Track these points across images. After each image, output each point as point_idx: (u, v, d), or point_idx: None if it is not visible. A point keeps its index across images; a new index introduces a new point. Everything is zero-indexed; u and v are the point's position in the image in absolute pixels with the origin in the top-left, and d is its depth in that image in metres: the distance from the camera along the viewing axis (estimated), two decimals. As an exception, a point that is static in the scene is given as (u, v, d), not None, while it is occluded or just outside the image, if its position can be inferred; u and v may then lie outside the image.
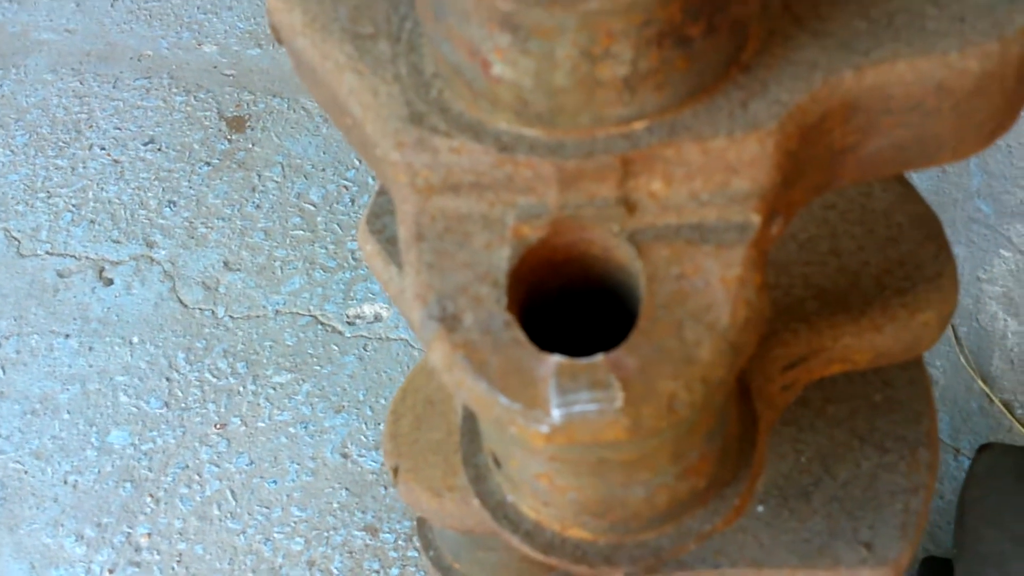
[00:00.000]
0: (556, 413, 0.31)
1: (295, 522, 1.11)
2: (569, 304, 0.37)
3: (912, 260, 0.45)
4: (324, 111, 0.44)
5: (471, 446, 0.45)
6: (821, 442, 0.49)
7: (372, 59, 0.39)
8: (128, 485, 1.15)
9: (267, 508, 1.12)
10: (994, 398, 1.24)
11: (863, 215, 0.47)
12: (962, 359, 1.26)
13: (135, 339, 1.29)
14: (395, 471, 0.54)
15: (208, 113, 1.57)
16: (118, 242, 1.41)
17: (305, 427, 1.19)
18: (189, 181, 1.47)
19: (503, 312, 0.33)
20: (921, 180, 1.41)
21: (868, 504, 0.47)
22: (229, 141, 1.53)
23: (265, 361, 1.25)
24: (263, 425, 1.19)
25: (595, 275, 0.35)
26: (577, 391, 0.31)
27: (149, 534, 1.12)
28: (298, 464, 1.15)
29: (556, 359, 0.32)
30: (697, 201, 0.34)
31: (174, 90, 1.61)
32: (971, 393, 1.24)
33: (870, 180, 0.47)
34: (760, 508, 0.47)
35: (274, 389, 1.22)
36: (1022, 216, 1.38)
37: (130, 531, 1.12)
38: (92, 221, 1.44)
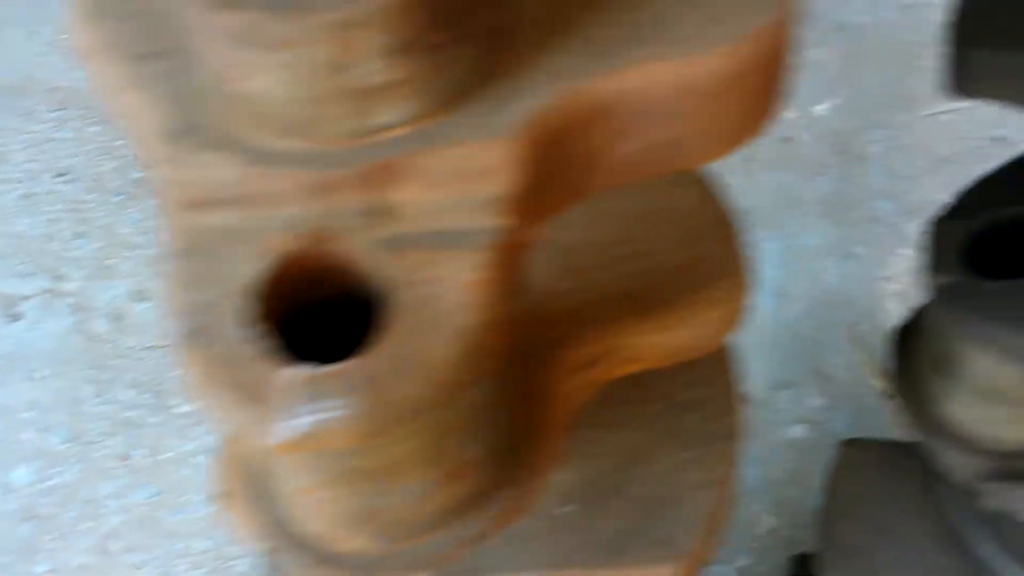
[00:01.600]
0: (289, 424, 0.31)
1: (198, 553, 1.10)
2: (334, 314, 0.37)
3: (704, 261, 0.46)
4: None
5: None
6: (629, 442, 0.50)
7: (148, 78, 0.40)
8: (30, 523, 1.13)
9: (169, 540, 1.11)
10: (891, 396, 1.25)
11: (659, 218, 0.47)
12: (859, 357, 1.28)
13: (41, 374, 1.27)
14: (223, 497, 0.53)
15: (122, 143, 1.56)
16: (28, 276, 1.39)
17: (211, 457, 1.17)
18: (102, 211, 1.46)
19: (251, 326, 0.34)
20: (822, 181, 1.43)
21: (669, 501, 0.48)
22: (143, 170, 1.52)
23: (172, 391, 1.23)
24: (169, 456, 1.18)
25: (352, 284, 0.36)
26: (314, 400, 0.32)
27: (51, 571, 1.10)
28: (202, 495, 1.14)
29: (293, 371, 0.32)
30: (447, 208, 0.35)
31: (88, 121, 1.60)
32: (868, 391, 1.26)
33: (664, 182, 0.48)
34: (565, 510, 0.47)
35: (180, 419, 1.21)
36: (921, 214, 1.40)
37: (31, 570, 1.10)
38: (1, 257, 1.42)
